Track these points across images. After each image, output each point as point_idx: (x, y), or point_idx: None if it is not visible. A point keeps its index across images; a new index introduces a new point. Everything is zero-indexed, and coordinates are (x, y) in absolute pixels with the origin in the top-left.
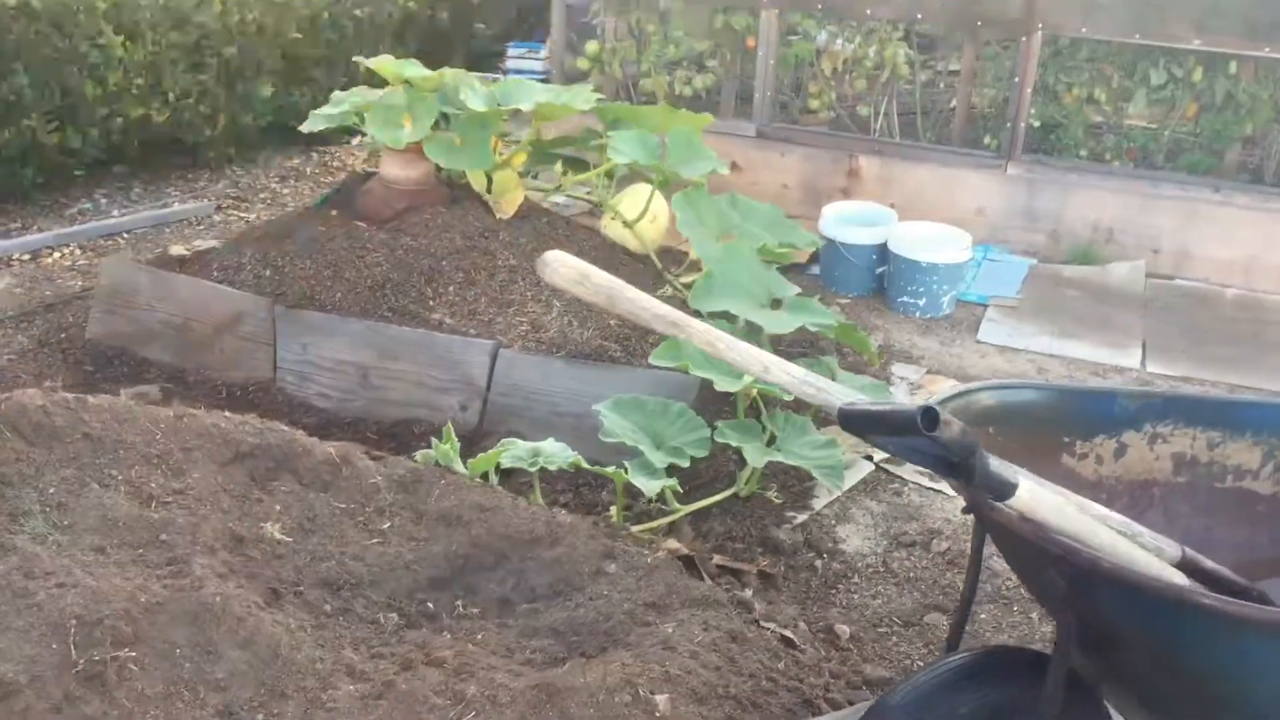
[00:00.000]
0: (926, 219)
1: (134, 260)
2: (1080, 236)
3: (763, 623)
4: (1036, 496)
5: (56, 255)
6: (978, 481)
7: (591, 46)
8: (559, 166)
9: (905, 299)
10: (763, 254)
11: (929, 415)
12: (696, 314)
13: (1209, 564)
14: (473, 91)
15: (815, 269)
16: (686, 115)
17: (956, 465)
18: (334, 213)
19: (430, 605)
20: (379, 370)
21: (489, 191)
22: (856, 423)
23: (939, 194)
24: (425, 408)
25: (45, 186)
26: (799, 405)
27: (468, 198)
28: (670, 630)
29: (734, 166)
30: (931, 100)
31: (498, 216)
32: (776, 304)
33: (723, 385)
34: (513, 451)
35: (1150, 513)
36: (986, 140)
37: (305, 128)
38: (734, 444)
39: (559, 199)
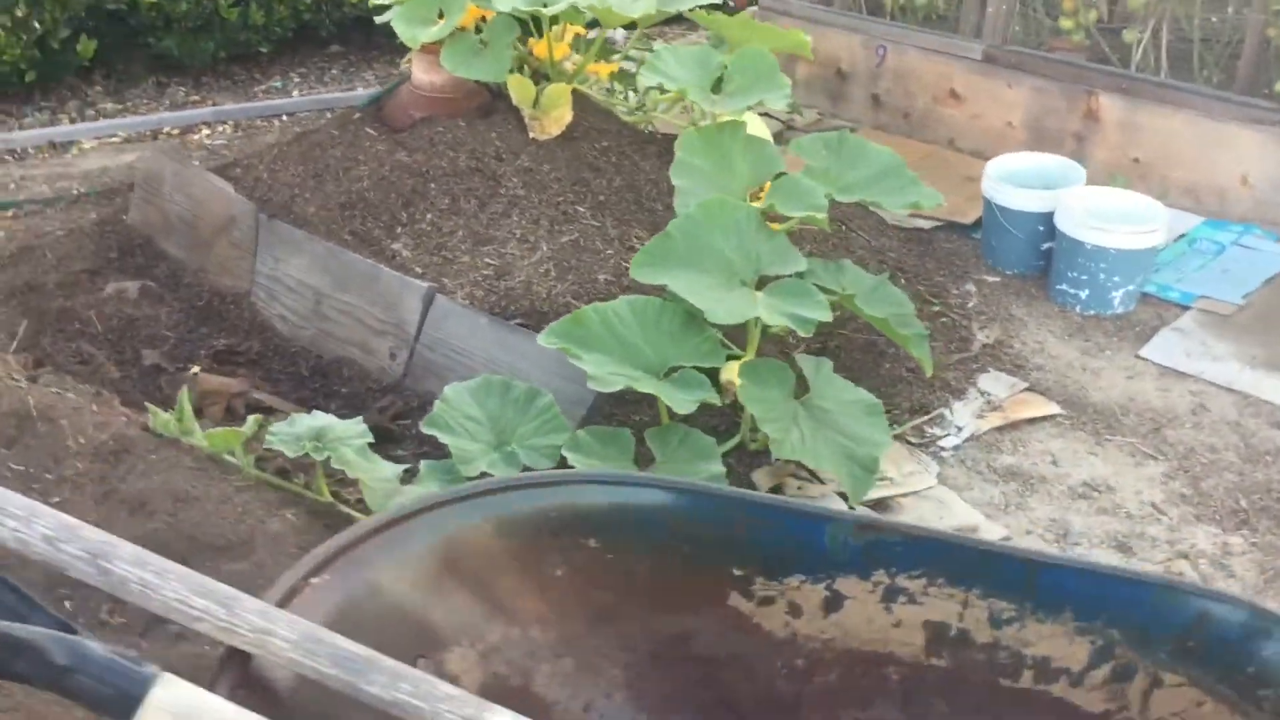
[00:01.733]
0: (1172, 183)
1: (163, 149)
2: None
3: None
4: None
5: (206, 132)
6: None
7: None
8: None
9: (1064, 287)
10: (773, 213)
11: None
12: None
13: None
14: None
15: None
16: (772, 31)
17: None
18: (357, 116)
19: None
20: (331, 300)
21: (535, 105)
22: None
23: (1194, 152)
24: (361, 349)
25: (242, 60)
26: (717, 419)
27: (508, 110)
28: None
29: (953, 95)
30: (1216, 29)
31: (531, 136)
32: (763, 283)
33: (595, 383)
34: (289, 429)
35: (881, 703)
36: (1279, 87)
37: (380, 18)
38: (571, 462)
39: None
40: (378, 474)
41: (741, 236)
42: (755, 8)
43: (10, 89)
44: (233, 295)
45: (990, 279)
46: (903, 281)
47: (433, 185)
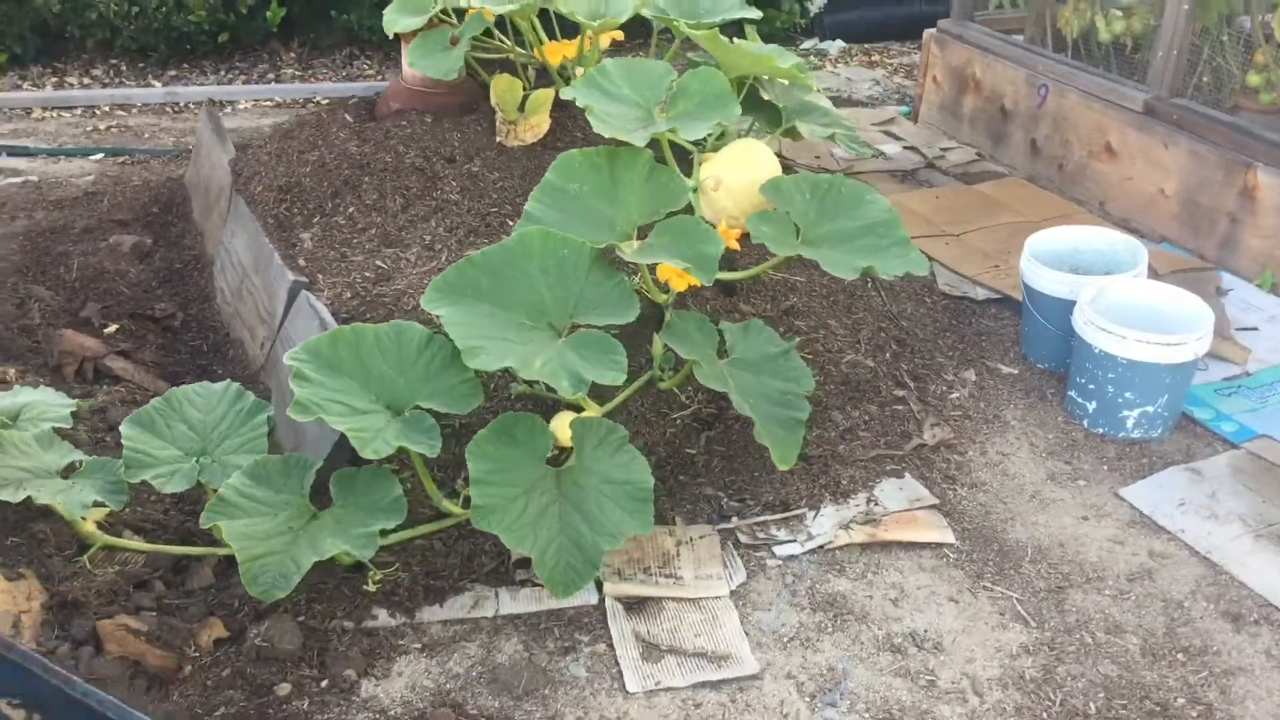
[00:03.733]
0: None
1: (209, 114)
2: None
3: None
4: None
5: None
6: None
7: None
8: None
9: (1074, 394)
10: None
11: None
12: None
13: None
14: None
15: None
16: (742, 50)
17: None
18: (352, 101)
19: None
20: (248, 280)
21: (520, 110)
22: None
23: None
24: (250, 334)
25: None
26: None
27: (492, 112)
28: None
29: (1108, 150)
30: None
31: (497, 140)
32: (573, 331)
33: (295, 411)
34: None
35: None
36: None
37: None
38: (231, 489)
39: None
40: (36, 461)
41: (563, 275)
42: (934, 30)
43: (202, 48)
44: (205, 262)
45: (1006, 370)
46: (888, 356)
47: (367, 179)
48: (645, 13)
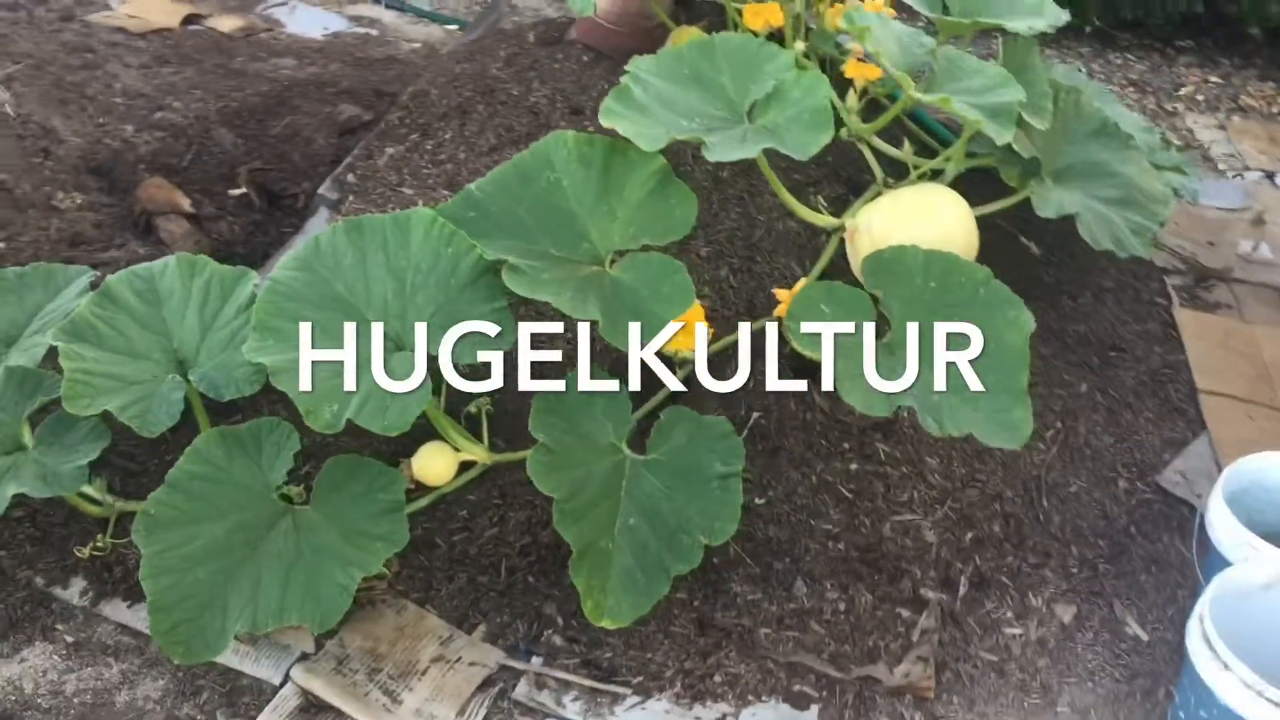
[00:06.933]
0: None
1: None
2: None
3: None
4: None
5: None
6: None
7: None
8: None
9: (1172, 712)
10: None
11: None
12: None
13: None
14: None
15: None
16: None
17: None
18: (564, 19)
19: None
20: None
21: None
22: None
23: None
24: None
25: None
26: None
27: None
28: None
29: None
30: None
31: None
32: None
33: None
34: None
35: None
36: None
37: None
38: None
39: None
40: None
41: (429, 281)
42: None
43: None
44: None
45: (1133, 630)
46: (968, 539)
47: (481, 107)
48: None
